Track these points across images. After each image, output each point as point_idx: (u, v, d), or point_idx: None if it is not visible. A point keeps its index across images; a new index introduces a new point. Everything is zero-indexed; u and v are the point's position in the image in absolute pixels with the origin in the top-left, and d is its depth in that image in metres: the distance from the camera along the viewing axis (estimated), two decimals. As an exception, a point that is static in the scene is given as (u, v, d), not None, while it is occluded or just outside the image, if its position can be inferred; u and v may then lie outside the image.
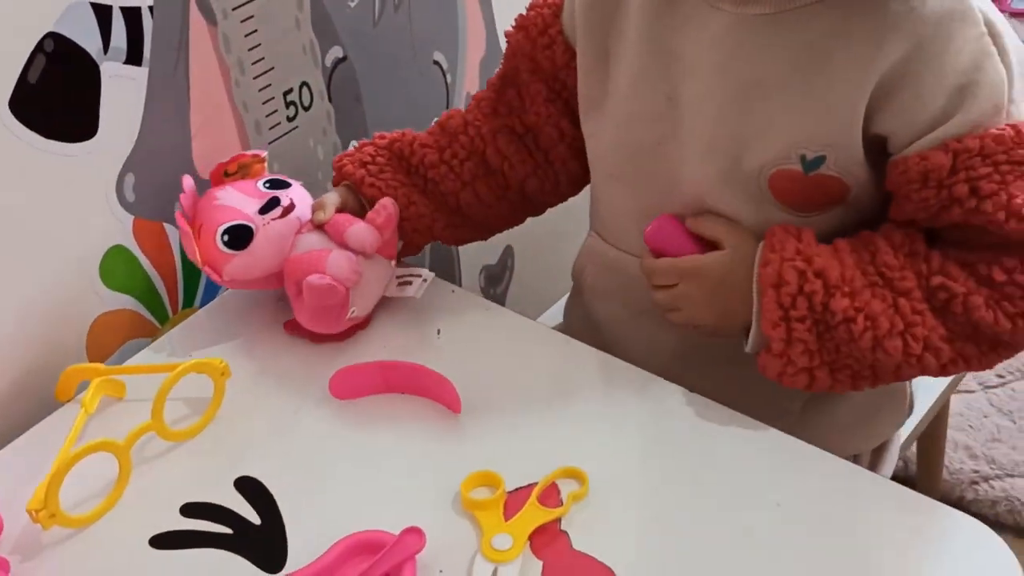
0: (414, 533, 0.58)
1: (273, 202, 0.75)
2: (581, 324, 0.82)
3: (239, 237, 0.74)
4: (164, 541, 0.62)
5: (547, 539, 0.60)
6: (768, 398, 0.69)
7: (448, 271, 1.13)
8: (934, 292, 0.62)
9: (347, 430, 0.69)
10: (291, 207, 0.75)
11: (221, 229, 0.74)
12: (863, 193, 0.65)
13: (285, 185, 0.78)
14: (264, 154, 0.81)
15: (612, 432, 0.67)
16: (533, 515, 0.60)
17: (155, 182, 0.78)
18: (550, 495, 0.62)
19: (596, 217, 0.79)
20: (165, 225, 0.80)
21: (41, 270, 0.73)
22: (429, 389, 0.70)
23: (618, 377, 0.71)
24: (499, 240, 1.24)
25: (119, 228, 0.77)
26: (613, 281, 0.77)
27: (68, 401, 0.72)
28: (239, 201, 0.76)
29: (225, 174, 0.79)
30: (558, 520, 0.61)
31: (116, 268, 0.77)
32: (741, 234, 0.66)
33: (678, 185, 0.69)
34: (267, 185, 0.78)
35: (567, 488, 0.63)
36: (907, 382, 0.79)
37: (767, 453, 0.64)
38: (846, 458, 0.64)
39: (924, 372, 0.63)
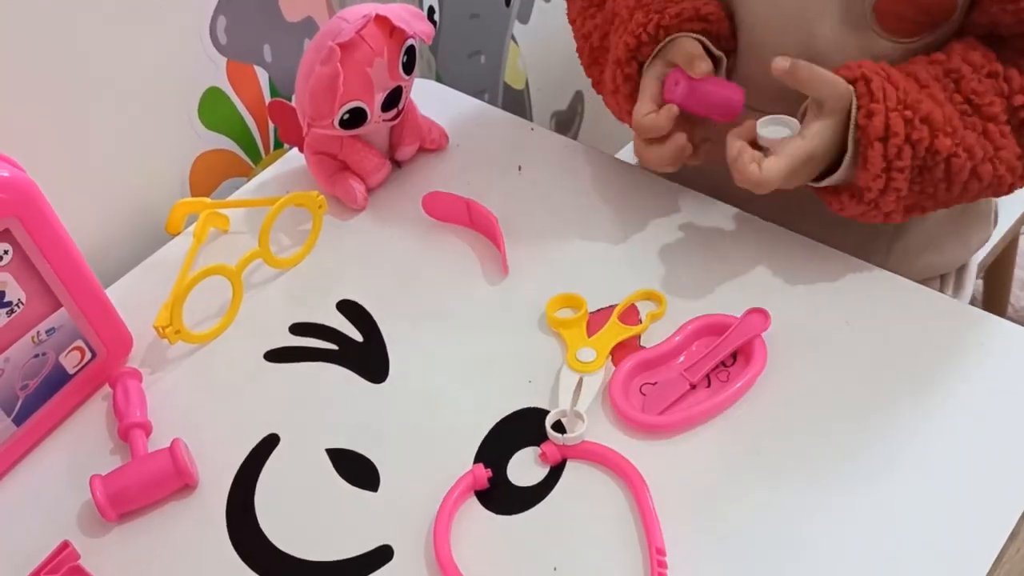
0: (758, 313, 0.63)
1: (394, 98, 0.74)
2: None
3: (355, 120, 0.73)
4: (277, 355, 0.68)
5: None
6: (857, 240, 0.71)
7: (520, 116, 1.14)
8: (1015, 112, 0.62)
9: (437, 257, 0.73)
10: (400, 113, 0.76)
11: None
12: (964, 6, 0.63)
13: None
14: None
15: (687, 257, 0.70)
16: (614, 332, 0.65)
17: (245, 24, 0.80)
18: (630, 315, 0.67)
19: None
20: (256, 68, 0.83)
21: (145, 111, 0.77)
22: (496, 240, 0.73)
23: (692, 206, 0.74)
24: (569, 86, 1.25)
25: (214, 70, 0.80)
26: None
27: (177, 234, 0.77)
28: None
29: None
30: (637, 337, 0.65)
31: (213, 109, 0.81)
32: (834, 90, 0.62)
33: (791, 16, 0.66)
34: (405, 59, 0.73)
35: (646, 309, 0.67)
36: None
37: (838, 275, 0.67)
38: (933, 279, 0.65)
39: (997, 192, 0.64)
